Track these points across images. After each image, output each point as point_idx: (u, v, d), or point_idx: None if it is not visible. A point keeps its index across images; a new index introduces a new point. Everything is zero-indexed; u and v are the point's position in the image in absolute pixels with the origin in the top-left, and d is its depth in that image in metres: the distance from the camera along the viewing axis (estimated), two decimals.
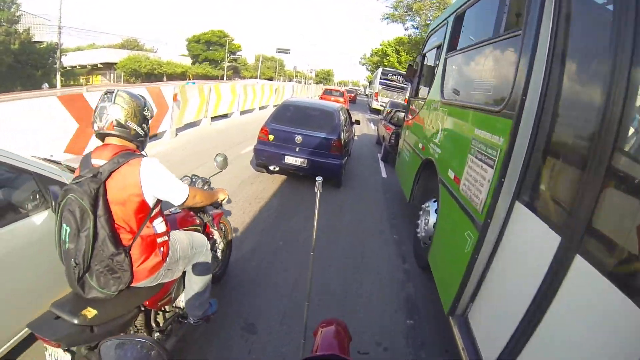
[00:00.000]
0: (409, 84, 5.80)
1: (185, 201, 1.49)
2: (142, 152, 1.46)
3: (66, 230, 1.26)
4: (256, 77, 66.15)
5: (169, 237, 1.57)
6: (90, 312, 1.30)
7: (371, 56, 51.70)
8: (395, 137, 6.63)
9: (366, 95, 54.67)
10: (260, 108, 14.02)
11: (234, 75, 64.80)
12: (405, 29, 21.35)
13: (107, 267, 1.32)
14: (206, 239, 1.88)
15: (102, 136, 1.41)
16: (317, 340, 1.19)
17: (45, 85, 17.02)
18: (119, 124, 1.36)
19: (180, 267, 1.66)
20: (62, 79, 24.26)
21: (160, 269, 1.51)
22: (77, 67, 43.49)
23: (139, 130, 1.42)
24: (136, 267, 1.42)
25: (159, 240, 1.49)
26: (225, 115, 10.90)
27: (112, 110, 1.34)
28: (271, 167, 5.41)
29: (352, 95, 28.78)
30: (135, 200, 1.35)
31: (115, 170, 1.30)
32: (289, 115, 5.48)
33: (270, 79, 70.90)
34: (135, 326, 1.58)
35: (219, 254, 2.36)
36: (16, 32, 22.62)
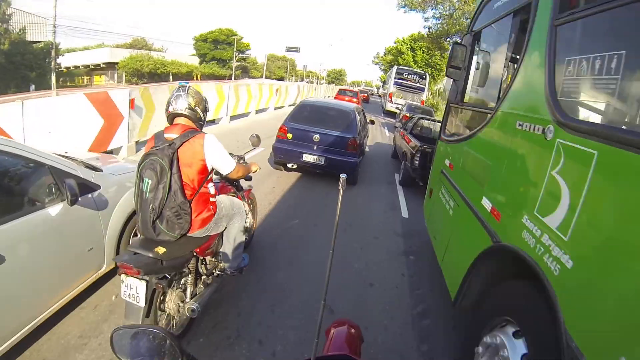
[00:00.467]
0: (455, 81, 3.61)
1: (231, 172, 2.04)
2: (203, 130, 2.01)
3: (147, 182, 1.76)
4: (267, 77, 65.80)
5: (216, 198, 2.12)
6: (160, 250, 1.81)
7: (385, 55, 49.89)
8: (421, 157, 4.87)
9: (379, 95, 52.90)
10: (258, 111, 12.39)
11: (243, 75, 64.16)
12: (425, 20, 19.53)
13: (176, 213, 1.81)
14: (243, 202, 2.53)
15: (172, 117, 1.96)
16: (328, 339, 1.25)
17: (32, 87, 15.95)
18: (190, 108, 1.93)
19: (223, 223, 2.20)
20: (61, 79, 23.34)
21: (210, 221, 2.02)
22: (80, 67, 43.31)
23: (202, 115, 2.02)
24: (194, 218, 1.91)
25: (210, 199, 2.04)
26: (212, 121, 9.32)
27: (186, 98, 1.92)
28: (289, 165, 5.71)
29: (365, 95, 28.77)
30: (199, 164, 1.87)
31: (185, 142, 1.82)
32: (307, 114, 5.74)
33: (281, 79, 70.38)
34: (188, 268, 2.06)
35: (247, 224, 2.79)
36: (6, 32, 21.57)
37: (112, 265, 2.46)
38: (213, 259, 2.35)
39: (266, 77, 65.61)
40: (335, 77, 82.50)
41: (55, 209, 1.90)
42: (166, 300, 1.97)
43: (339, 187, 0.81)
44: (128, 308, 1.82)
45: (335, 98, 17.94)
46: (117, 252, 2.46)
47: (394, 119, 16.16)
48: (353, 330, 1.31)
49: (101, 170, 2.40)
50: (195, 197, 1.91)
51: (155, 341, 0.74)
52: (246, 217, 2.51)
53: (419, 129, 6.74)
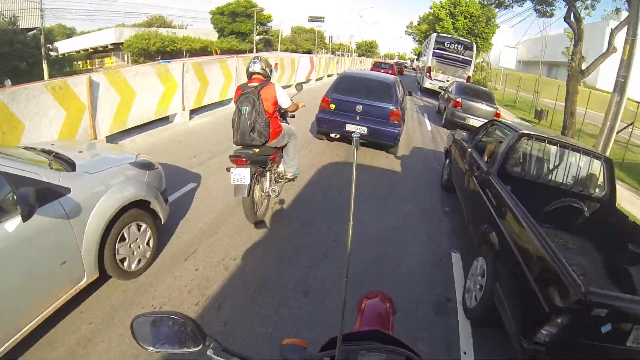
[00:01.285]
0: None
1: (288, 106, 3.64)
2: (271, 80, 3.55)
3: (246, 109, 3.25)
4: (293, 50, 65.05)
5: (281, 123, 3.73)
6: (255, 150, 3.34)
7: (419, 24, 47.39)
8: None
9: (413, 69, 50.81)
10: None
11: (267, 49, 63.61)
12: None
13: (263, 126, 3.28)
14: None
15: (250, 75, 3.47)
16: (360, 313, 1.32)
17: (8, 82, 15.87)
18: (262, 69, 3.44)
19: (285, 139, 3.77)
20: (56, 67, 23.58)
21: (279, 135, 3.57)
22: (80, 51, 44.02)
23: (269, 73, 3.54)
24: (272, 131, 3.40)
25: (278, 122, 3.59)
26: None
27: (260, 63, 3.43)
28: (332, 134, 6.34)
29: (400, 68, 28.90)
30: (272, 99, 3.36)
31: (263, 87, 3.31)
32: (348, 86, 6.25)
33: (309, 52, 69.33)
34: (266, 166, 3.53)
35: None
36: None
37: (95, 276, 2.32)
38: (278, 169, 3.98)
39: (292, 51, 65.04)
40: (366, 49, 79.91)
41: (12, 224, 1.76)
42: (255, 189, 3.45)
43: (353, 147, 0.78)
44: (237, 189, 3.21)
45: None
46: (101, 261, 2.33)
47: (436, 100, 15.20)
48: (385, 303, 1.37)
49: (73, 169, 2.13)
50: (271, 120, 3.41)
51: (175, 327, 0.78)
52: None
53: (520, 161, 3.71)
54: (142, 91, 5.76)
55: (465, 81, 16.57)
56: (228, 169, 3.22)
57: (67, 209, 2.00)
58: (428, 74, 17.23)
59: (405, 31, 51.45)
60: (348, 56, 24.45)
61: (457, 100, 9.67)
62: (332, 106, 5.99)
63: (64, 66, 31.52)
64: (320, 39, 76.10)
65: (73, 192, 2.04)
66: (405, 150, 7.17)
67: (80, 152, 2.55)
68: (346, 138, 6.39)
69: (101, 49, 46.67)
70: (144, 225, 2.66)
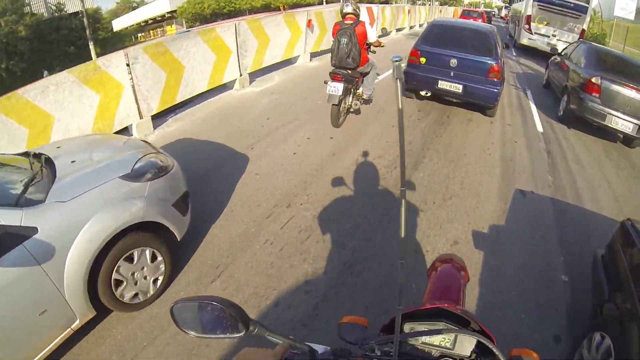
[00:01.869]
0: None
1: (374, 40, 4.99)
2: (360, 20, 4.81)
3: (344, 40, 4.59)
4: None
5: (368, 54, 5.13)
6: (349, 71, 4.73)
7: None
8: None
9: (501, 18, 44.45)
10: None
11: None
12: None
13: (356, 54, 4.63)
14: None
15: (345, 14, 4.76)
16: (430, 282, 1.33)
17: (45, 73, 16.54)
18: (354, 9, 4.74)
19: (369, 67, 5.11)
20: (108, 45, 24.20)
21: (366, 62, 5.01)
22: (132, 26, 45.41)
23: (359, 12, 4.85)
24: (362, 58, 4.79)
25: (366, 53, 5.00)
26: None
27: (352, 5, 4.72)
28: (422, 92, 6.09)
29: (488, 16, 27.33)
30: (364, 34, 4.71)
31: (357, 25, 4.65)
32: (441, 36, 5.87)
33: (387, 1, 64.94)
34: (355, 85, 5.10)
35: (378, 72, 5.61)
36: (26, 14, 21.18)
37: (90, 315, 2.07)
38: (360, 90, 5.27)
39: None
40: None
41: None
42: (343, 101, 4.91)
43: (394, 77, 0.68)
44: (330, 97, 4.61)
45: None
46: (95, 295, 2.07)
47: (539, 64, 12.74)
48: (457, 270, 1.38)
49: (42, 200, 1.79)
50: (362, 50, 4.70)
51: (215, 312, 0.80)
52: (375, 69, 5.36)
53: None
54: (274, 37, 7.56)
55: (576, 35, 13.77)
56: (325, 82, 4.71)
57: (36, 254, 1.67)
58: (527, 26, 14.50)
59: None
60: (427, 4, 21.52)
61: (594, 81, 6.11)
62: (423, 60, 5.70)
63: (114, 44, 33.16)
64: None
65: (41, 232, 1.70)
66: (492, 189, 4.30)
67: (73, 161, 2.21)
68: (438, 97, 6.23)
69: (159, 19, 48.53)
70: (149, 250, 2.33)
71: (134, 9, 53.28)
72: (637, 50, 18.80)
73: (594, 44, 8.28)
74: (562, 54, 8.93)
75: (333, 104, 4.72)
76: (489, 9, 65.94)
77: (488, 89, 5.47)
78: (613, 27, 21.19)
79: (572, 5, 13.97)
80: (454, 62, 5.51)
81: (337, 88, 4.58)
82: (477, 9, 29.34)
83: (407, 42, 13.77)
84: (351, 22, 4.70)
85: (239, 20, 7.19)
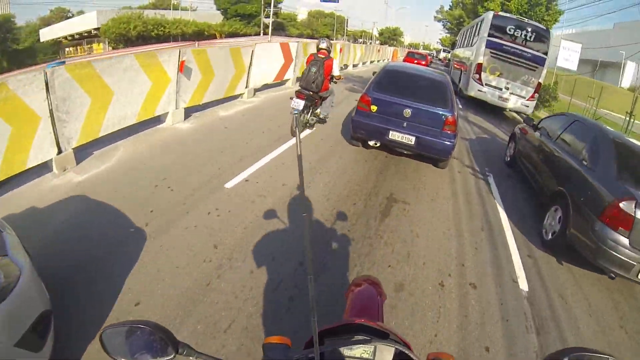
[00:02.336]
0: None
1: (337, 75, 6.25)
2: (330, 55, 6.01)
3: (314, 69, 5.68)
4: (309, 36, 60.32)
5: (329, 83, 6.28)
6: (310, 93, 5.73)
7: (451, 9, 41.17)
8: None
9: (440, 60, 44.61)
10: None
11: (279, 33, 59.00)
12: None
13: (320, 81, 5.69)
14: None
15: (319, 49, 5.94)
16: (349, 301, 1.37)
17: None
18: (327, 47, 5.95)
19: (328, 94, 6.24)
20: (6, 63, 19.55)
21: (327, 90, 6.10)
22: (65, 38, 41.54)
23: (331, 49, 6.15)
24: (323, 86, 5.86)
25: (328, 82, 6.02)
26: None
27: (326, 42, 5.98)
28: (371, 142, 5.71)
29: (430, 58, 26.25)
30: (330, 67, 5.86)
31: (326, 59, 5.79)
32: (394, 83, 5.57)
33: (327, 37, 64.22)
34: (313, 105, 6.14)
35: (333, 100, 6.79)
36: None
37: None
38: (318, 110, 6.28)
39: (308, 36, 60.36)
40: (389, 36, 73.58)
41: None
42: (305, 116, 6.13)
43: (294, 128, 0.78)
44: (292, 110, 5.93)
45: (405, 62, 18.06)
46: None
47: (491, 121, 10.68)
48: (374, 289, 1.42)
49: None
50: (325, 79, 5.81)
51: (145, 336, 0.80)
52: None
53: None
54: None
55: (530, 89, 11.17)
56: (291, 98, 5.80)
57: None
58: (477, 76, 11.61)
59: (435, 17, 45.24)
60: (362, 42, 18.80)
61: (623, 208, 3.32)
62: (374, 108, 5.27)
63: (23, 61, 27.15)
64: (340, 25, 70.89)
65: None
66: None
67: None
68: (387, 147, 5.68)
69: (85, 34, 43.64)
70: None
71: (67, 18, 47.19)
72: (580, 101, 17.24)
73: (601, 125, 4.87)
74: (539, 126, 5.85)
75: (295, 115, 5.30)
76: (427, 51, 68.92)
77: (442, 141, 5.07)
78: (555, 77, 19.99)
79: (529, 55, 11.34)
80: (407, 112, 5.11)
81: (299, 104, 5.61)
82: (421, 51, 28.78)
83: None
84: (323, 56, 5.85)
85: None
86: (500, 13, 11.74)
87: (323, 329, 0.98)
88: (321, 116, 6.44)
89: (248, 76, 8.35)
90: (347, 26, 65.02)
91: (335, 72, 6.06)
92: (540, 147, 5.33)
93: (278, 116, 6.99)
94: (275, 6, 54.19)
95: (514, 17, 11.88)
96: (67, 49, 45.22)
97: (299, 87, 5.84)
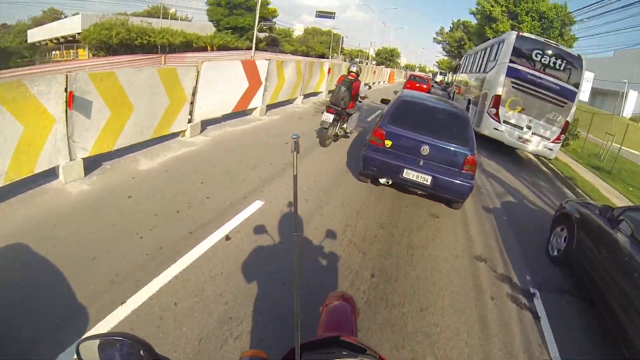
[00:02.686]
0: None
1: (364, 95, 7.26)
2: (359, 78, 7.03)
3: (343, 88, 6.49)
4: (304, 53, 58.91)
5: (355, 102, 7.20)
6: (339, 108, 6.53)
7: (452, 30, 39.89)
8: None
9: (437, 83, 43.03)
10: None
11: (271, 49, 57.39)
12: None
13: (347, 99, 6.52)
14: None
15: (350, 71, 6.87)
16: (322, 318, 1.36)
17: None
18: (357, 71, 6.90)
19: (353, 111, 7.04)
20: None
21: (352, 107, 6.92)
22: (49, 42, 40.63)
23: (360, 73, 7.10)
24: (350, 103, 6.77)
25: (354, 100, 6.97)
26: None
27: (356, 66, 7.04)
28: (382, 180, 5.10)
29: (428, 82, 23.15)
30: (357, 88, 6.72)
31: (355, 81, 6.71)
32: (410, 115, 5.07)
33: (322, 56, 63.13)
34: (341, 120, 6.89)
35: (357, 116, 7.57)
36: None
37: None
38: (345, 125, 7.00)
39: (303, 54, 58.92)
40: (386, 57, 72.47)
41: None
42: (334, 128, 6.79)
43: (292, 151, 0.84)
44: (322, 123, 6.45)
45: (407, 87, 17.70)
46: None
47: (517, 176, 8.60)
48: (347, 305, 1.42)
49: None
50: (352, 97, 6.69)
51: (124, 349, 0.78)
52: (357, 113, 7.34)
53: None
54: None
55: (558, 131, 8.92)
56: (322, 112, 6.58)
57: None
58: (494, 110, 9.30)
59: (434, 38, 43.65)
60: (356, 63, 16.54)
61: None
62: (388, 143, 4.75)
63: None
64: (337, 43, 69.74)
65: None
66: None
67: None
68: (400, 186, 5.09)
69: (70, 38, 41.73)
70: None
71: (55, 19, 45.66)
72: (596, 137, 15.18)
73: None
74: (620, 218, 3.55)
75: (323, 128, 6.44)
76: (425, 74, 68.06)
77: (461, 182, 4.57)
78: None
79: (558, 88, 9.07)
80: (425, 149, 4.59)
81: (329, 117, 6.35)
82: (422, 75, 27.30)
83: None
84: (352, 78, 6.69)
85: None
86: (525, 34, 9.45)
87: (303, 342, 0.96)
88: (347, 130, 7.25)
89: (192, 107, 5.92)
90: (342, 44, 63.69)
91: (362, 93, 7.00)
92: (629, 261, 2.93)
93: (236, 168, 4.86)
94: (269, 20, 52.82)
95: (541, 39, 9.62)
96: (53, 52, 43.39)
97: (329, 103, 6.61)
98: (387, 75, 28.25)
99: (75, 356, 0.78)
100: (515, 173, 8.59)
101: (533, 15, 17.82)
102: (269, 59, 8.43)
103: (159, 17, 47.02)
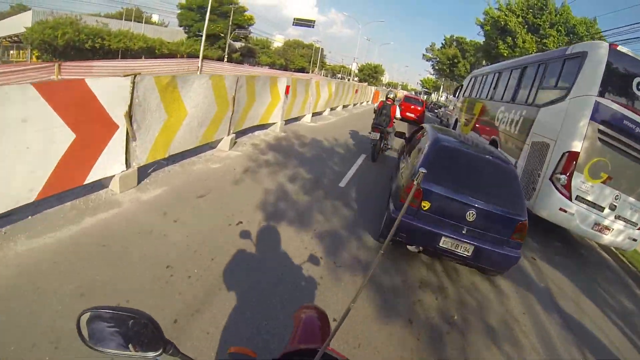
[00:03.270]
0: None
1: (398, 116, 8.75)
2: (394, 103, 8.34)
3: (385, 111, 7.87)
4: (282, 66, 55.32)
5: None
6: (381, 127, 7.80)
7: (444, 47, 36.85)
8: None
9: (433, 107, 39.87)
10: None
11: (247, 60, 53.36)
12: None
13: (387, 120, 7.83)
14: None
15: (387, 97, 8.26)
16: (297, 327, 1.30)
17: None
18: (393, 98, 8.40)
19: (391, 130, 7.91)
20: None
21: (391, 126, 7.97)
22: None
23: (395, 98, 8.91)
24: (390, 123, 7.95)
25: (392, 119, 8.10)
26: None
27: (393, 93, 8.67)
28: (410, 247, 4.16)
29: (423, 104, 19.64)
30: (394, 112, 8.03)
31: (392, 105, 8.02)
32: (451, 168, 3.96)
33: (302, 70, 59.61)
34: (383, 138, 7.96)
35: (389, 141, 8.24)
36: None
37: None
38: (387, 141, 8.05)
39: (280, 67, 55.26)
40: (369, 73, 69.59)
41: None
42: (380, 144, 8.08)
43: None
44: (372, 140, 7.91)
45: (404, 112, 16.69)
46: None
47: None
48: (323, 319, 1.37)
49: None
50: (391, 119, 7.89)
51: (135, 327, 0.73)
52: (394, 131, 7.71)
53: None
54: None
55: None
56: (369, 133, 7.88)
57: None
58: (563, 178, 5.25)
59: (424, 55, 40.40)
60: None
61: None
62: (426, 205, 3.67)
63: None
64: (318, 56, 66.43)
65: None
66: None
67: None
68: (434, 254, 4.04)
69: (16, 38, 36.56)
70: None
71: None
72: None
73: None
74: None
75: (373, 145, 7.94)
76: (404, 91, 65.63)
77: (507, 253, 3.68)
78: None
79: None
80: (471, 214, 3.61)
81: (376, 135, 7.76)
82: (417, 97, 25.83)
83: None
84: (389, 103, 7.99)
85: None
86: (621, 48, 5.48)
87: (281, 353, 0.96)
88: (389, 145, 8.30)
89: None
90: (320, 55, 60.24)
91: (397, 115, 8.35)
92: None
93: None
94: (244, 28, 48.70)
95: None
96: (11, 52, 38.45)
97: (374, 124, 7.90)
98: (372, 95, 24.42)
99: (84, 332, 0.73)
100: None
101: (560, 28, 14.36)
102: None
103: (133, 21, 43.37)
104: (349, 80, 51.18)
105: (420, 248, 4.08)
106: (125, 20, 45.54)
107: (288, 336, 1.46)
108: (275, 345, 2.36)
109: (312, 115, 11.29)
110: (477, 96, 11.33)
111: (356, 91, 18.16)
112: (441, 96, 64.70)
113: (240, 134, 7.27)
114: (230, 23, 44.99)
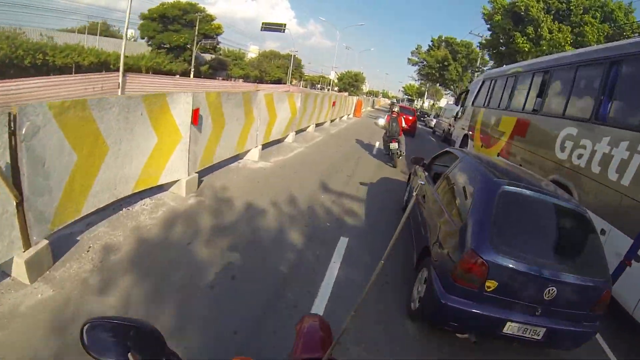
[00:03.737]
0: None
1: (405, 126, 15.32)
2: (399, 114, 10.74)
3: (395, 123, 9.94)
4: (257, 78, 52.20)
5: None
6: (396, 137, 9.89)
7: (432, 49, 34.04)
8: None
9: (420, 116, 37.22)
10: None
11: (218, 74, 49.92)
12: None
13: (399, 130, 10.04)
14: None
15: (392, 110, 10.45)
16: (299, 337, 1.29)
17: None
18: (398, 110, 10.53)
19: (402, 138, 10.06)
20: None
21: (401, 135, 10.12)
22: None
23: (398, 111, 10.78)
24: (401, 132, 10.18)
25: (401, 131, 10.42)
26: None
27: (397, 107, 12.05)
28: (462, 335, 3.04)
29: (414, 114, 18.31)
30: (401, 122, 10.37)
31: (398, 117, 10.17)
32: (525, 226, 2.89)
33: (279, 81, 56.49)
34: (395, 143, 9.86)
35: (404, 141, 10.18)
36: None
37: None
38: (398, 148, 9.76)
39: (255, 79, 52.07)
40: (350, 82, 66.95)
41: None
42: (396, 151, 9.91)
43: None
44: (392, 150, 9.87)
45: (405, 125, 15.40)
46: None
47: None
48: (325, 329, 1.35)
49: None
50: (401, 128, 10.16)
51: (138, 337, 0.73)
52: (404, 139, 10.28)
53: None
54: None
55: None
56: (386, 144, 10.11)
57: None
58: None
59: (409, 60, 37.60)
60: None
61: None
62: (491, 285, 2.55)
63: None
64: (296, 68, 63.44)
65: None
66: None
67: None
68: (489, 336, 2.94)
69: None
70: None
71: None
72: None
73: None
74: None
75: (394, 153, 9.55)
76: (385, 98, 63.32)
77: (583, 330, 2.72)
78: None
79: None
80: (552, 291, 2.55)
81: (396, 144, 9.51)
82: (408, 106, 24.31)
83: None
84: (395, 115, 9.75)
85: None
86: None
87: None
88: (403, 152, 9.71)
89: None
90: (298, 66, 57.36)
91: (403, 124, 11.15)
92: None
93: None
94: (212, 38, 45.21)
95: None
96: None
97: (389, 135, 9.82)
98: (353, 107, 21.15)
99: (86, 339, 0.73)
100: None
101: (597, 14, 11.50)
102: None
103: (98, 35, 40.07)
104: (328, 90, 48.37)
105: (475, 337, 2.85)
106: (88, 34, 42.26)
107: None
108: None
109: (263, 148, 7.76)
110: (504, 107, 8.06)
111: (333, 104, 14.79)
112: (424, 102, 62.48)
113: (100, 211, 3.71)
114: (197, 33, 41.42)
